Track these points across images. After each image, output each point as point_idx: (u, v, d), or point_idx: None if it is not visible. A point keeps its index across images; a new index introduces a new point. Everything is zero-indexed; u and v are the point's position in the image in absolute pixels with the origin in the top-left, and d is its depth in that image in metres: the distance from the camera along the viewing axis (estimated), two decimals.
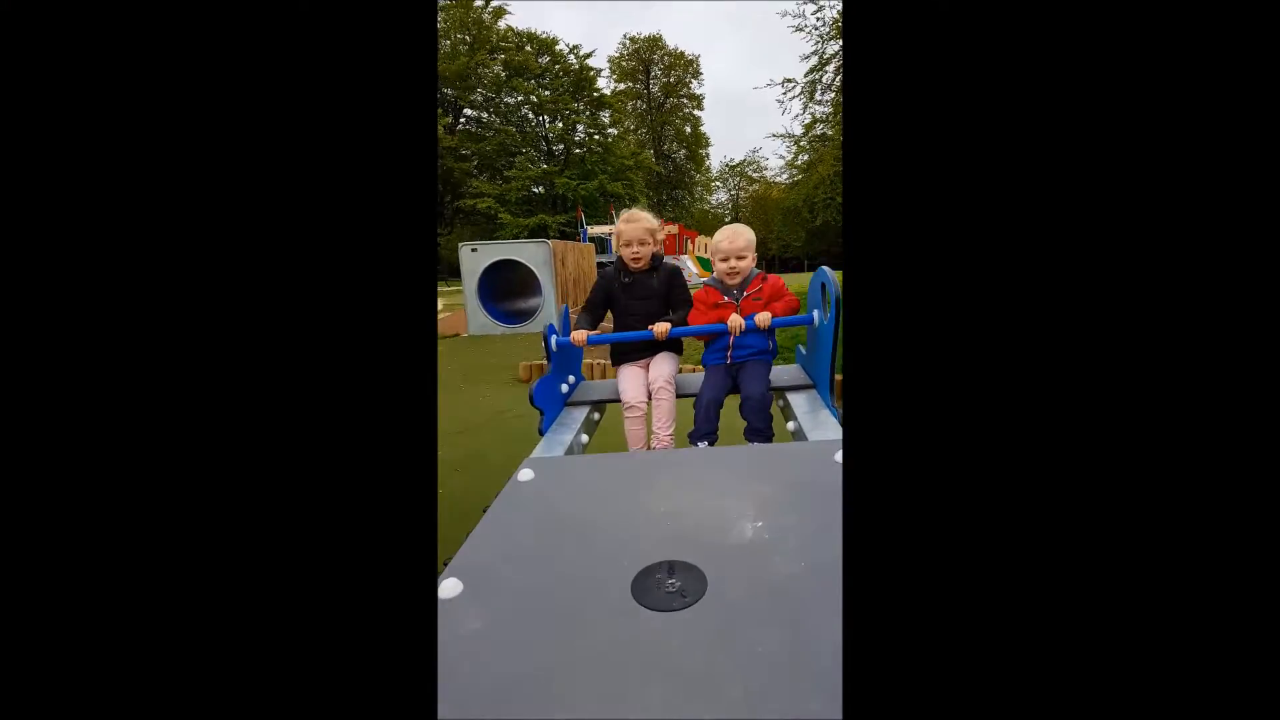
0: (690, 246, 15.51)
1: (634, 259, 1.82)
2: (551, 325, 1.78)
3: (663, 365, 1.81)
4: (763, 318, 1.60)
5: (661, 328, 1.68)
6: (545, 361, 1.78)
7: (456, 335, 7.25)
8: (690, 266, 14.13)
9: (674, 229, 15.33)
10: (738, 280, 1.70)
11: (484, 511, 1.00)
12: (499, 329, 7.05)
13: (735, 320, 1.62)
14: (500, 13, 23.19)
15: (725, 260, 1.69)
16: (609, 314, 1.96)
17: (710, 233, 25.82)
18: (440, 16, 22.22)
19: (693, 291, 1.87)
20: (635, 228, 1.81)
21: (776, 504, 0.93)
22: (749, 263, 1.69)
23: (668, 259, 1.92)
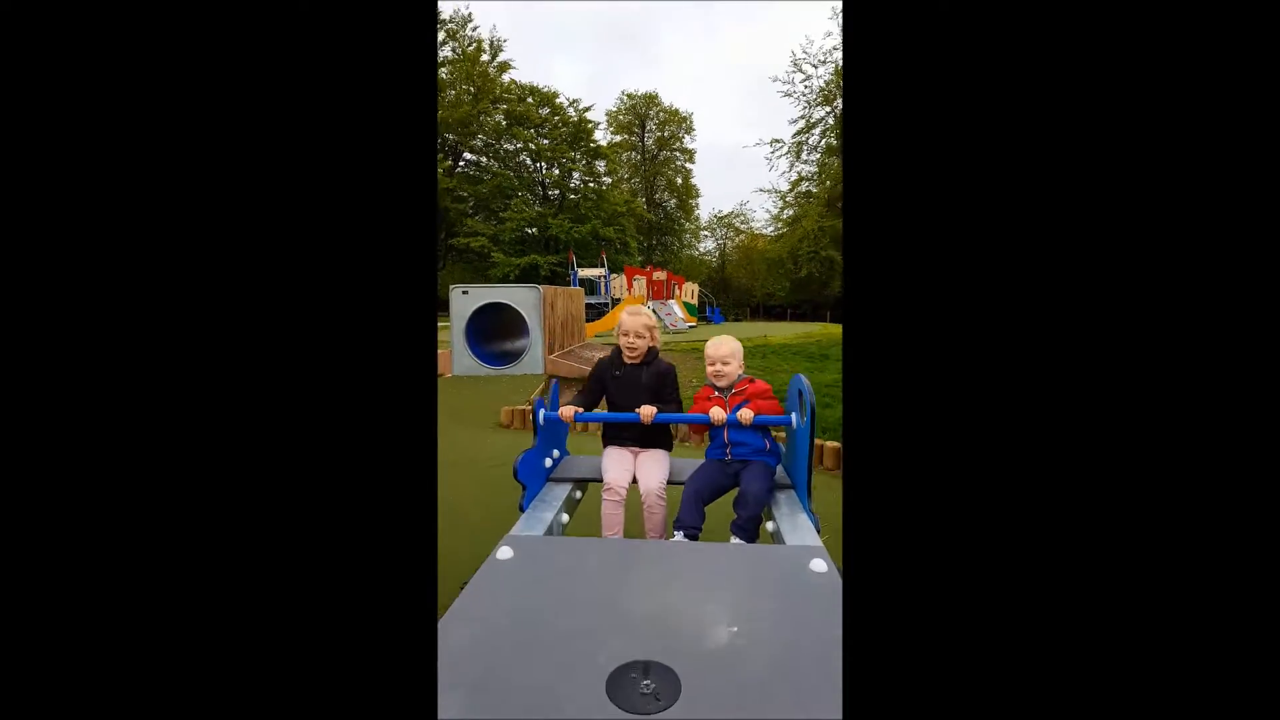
0: (678, 291, 15.85)
1: (630, 349, 1.93)
2: (540, 400, 1.84)
3: (653, 469, 1.84)
4: (745, 414, 1.71)
5: (648, 411, 1.76)
6: (526, 408, 1.75)
7: (440, 375, 7.26)
8: (676, 310, 14.39)
9: (663, 274, 15.67)
10: (724, 383, 1.87)
11: (462, 587, 1.03)
12: (483, 370, 7.08)
13: (718, 412, 1.74)
14: (505, 67, 24.39)
15: (712, 365, 1.88)
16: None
17: (697, 278, 26.37)
18: (447, 70, 23.19)
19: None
20: (636, 321, 1.94)
21: (752, 611, 0.95)
22: (733, 368, 1.86)
23: (657, 355, 2.02)
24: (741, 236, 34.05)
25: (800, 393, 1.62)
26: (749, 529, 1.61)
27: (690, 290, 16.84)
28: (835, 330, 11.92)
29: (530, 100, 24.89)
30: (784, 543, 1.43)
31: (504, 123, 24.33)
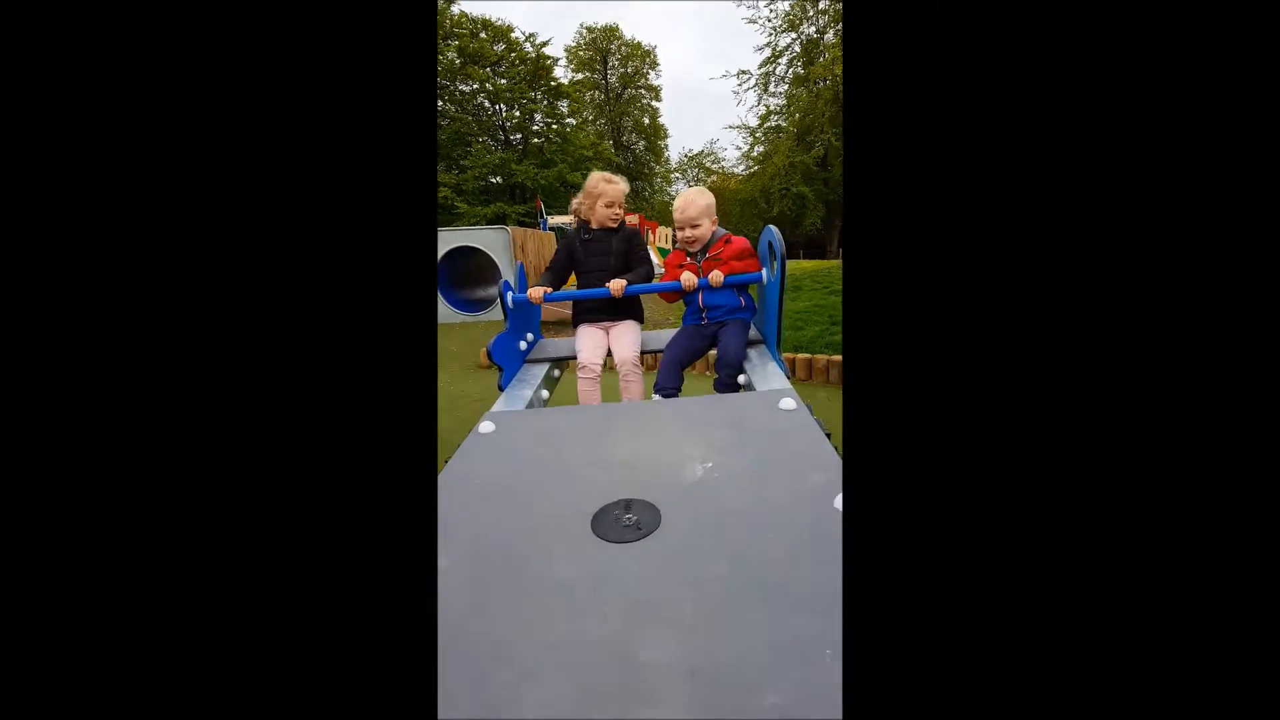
0: (651, 237, 15.62)
1: (614, 219, 1.92)
2: (507, 282, 1.82)
3: (626, 340, 1.84)
4: (715, 276, 1.68)
5: (618, 284, 1.75)
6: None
7: None
8: (652, 257, 14.18)
9: (635, 219, 15.37)
10: (697, 248, 1.80)
11: (444, 462, 1.04)
12: (459, 317, 7.01)
13: (689, 278, 1.71)
14: None
15: (681, 230, 1.80)
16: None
17: (671, 223, 25.72)
18: None
19: (660, 261, 1.91)
20: (617, 189, 1.91)
21: (726, 447, 0.99)
22: (704, 230, 1.78)
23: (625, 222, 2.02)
24: (713, 177, 33.33)
25: (770, 244, 1.63)
26: (730, 384, 1.66)
27: (664, 235, 16.59)
28: (806, 264, 12.01)
29: (484, 35, 23.25)
30: (755, 390, 1.47)
31: (457, 61, 22.78)
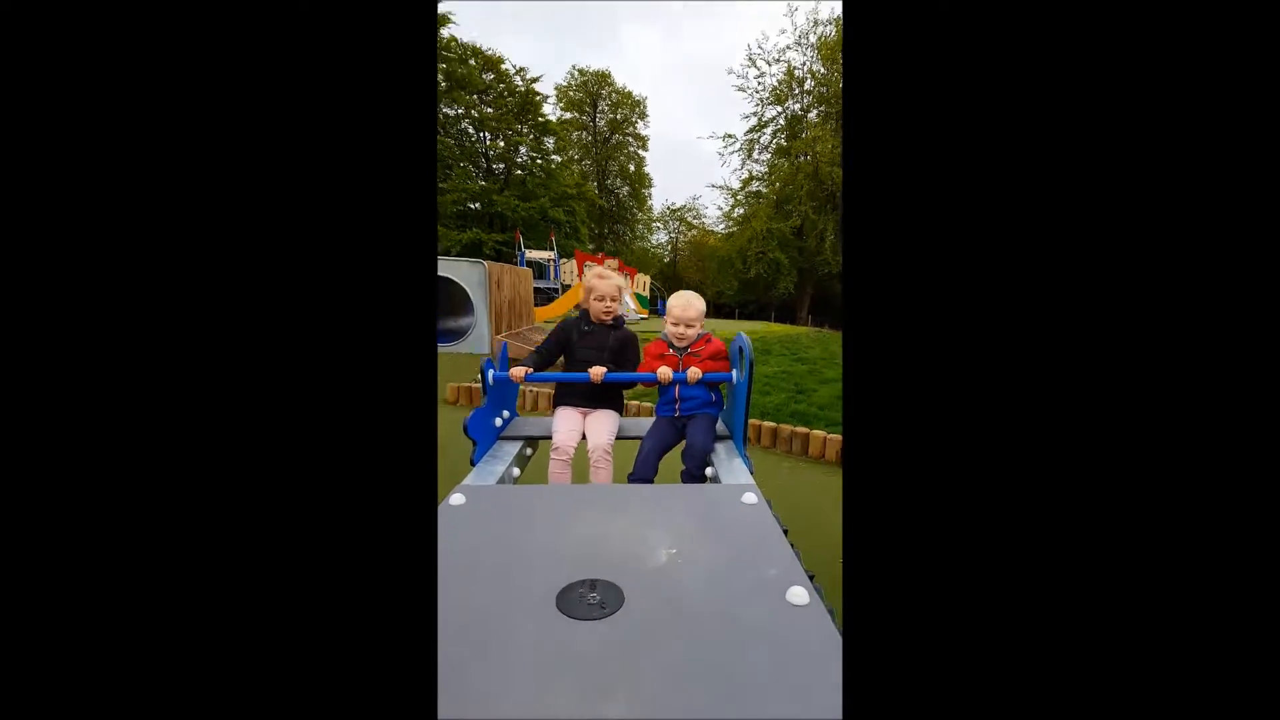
0: (630, 282, 15.45)
1: (606, 312, 1.99)
2: (489, 360, 1.83)
3: (602, 427, 1.86)
4: (693, 373, 1.79)
5: (598, 371, 1.80)
6: (473, 384, 1.85)
7: None
8: (628, 301, 14.02)
9: (615, 264, 15.18)
10: (683, 344, 1.93)
11: None
12: None
13: (664, 371, 1.82)
14: (445, 20, 22.26)
15: (676, 325, 1.92)
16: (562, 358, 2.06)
17: (649, 270, 25.98)
18: None
19: (642, 339, 2.03)
20: (609, 284, 2.00)
21: (689, 536, 1.03)
22: (695, 330, 1.93)
23: (623, 322, 2.08)
24: (694, 232, 34.07)
25: (741, 350, 1.74)
26: (697, 476, 1.72)
27: (642, 282, 16.47)
28: (777, 329, 12.14)
29: (473, 63, 23.25)
30: (720, 483, 1.51)
31: (443, 84, 22.64)
